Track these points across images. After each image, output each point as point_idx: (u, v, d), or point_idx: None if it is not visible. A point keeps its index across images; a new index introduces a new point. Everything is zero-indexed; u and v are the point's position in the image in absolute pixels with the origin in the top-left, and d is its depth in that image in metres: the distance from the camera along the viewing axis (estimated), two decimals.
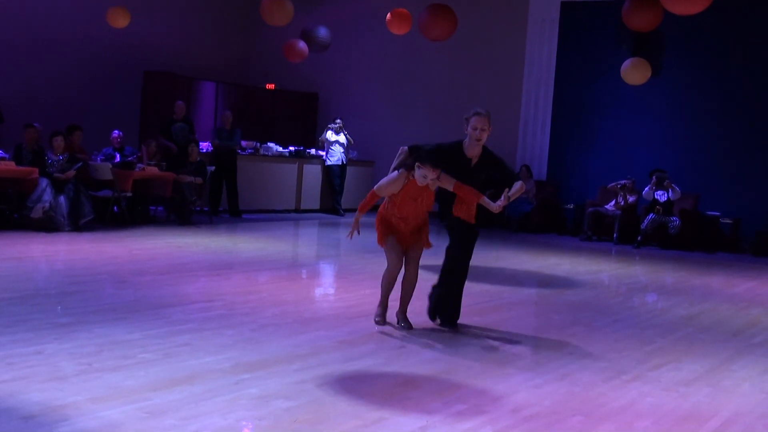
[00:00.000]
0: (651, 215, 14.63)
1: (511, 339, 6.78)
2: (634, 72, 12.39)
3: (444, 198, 6.92)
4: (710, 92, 15.44)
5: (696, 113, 15.54)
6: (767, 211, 14.88)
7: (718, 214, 14.98)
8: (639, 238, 14.67)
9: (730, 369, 6.24)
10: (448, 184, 6.61)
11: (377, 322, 6.86)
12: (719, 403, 5.31)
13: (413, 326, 6.82)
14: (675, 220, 14.53)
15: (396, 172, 6.70)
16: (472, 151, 6.82)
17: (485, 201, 6.58)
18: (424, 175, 6.48)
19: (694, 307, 8.83)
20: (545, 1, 16.94)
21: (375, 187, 6.84)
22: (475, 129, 6.83)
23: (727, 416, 5.04)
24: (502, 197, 6.48)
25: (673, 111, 15.79)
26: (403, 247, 6.87)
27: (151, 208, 13.85)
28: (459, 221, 6.84)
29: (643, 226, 14.65)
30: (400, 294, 6.92)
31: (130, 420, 4.22)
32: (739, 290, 10.37)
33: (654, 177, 14.69)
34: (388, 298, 6.96)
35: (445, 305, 6.95)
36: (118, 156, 13.38)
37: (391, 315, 6.97)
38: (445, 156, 6.66)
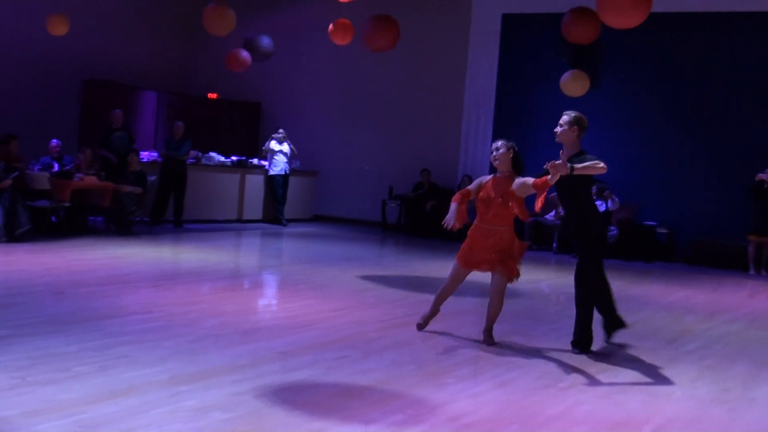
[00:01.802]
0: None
1: (451, 348, 6.83)
2: (573, 84, 12.57)
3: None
4: (647, 104, 15.76)
5: (633, 125, 15.82)
6: (701, 220, 15.22)
7: (654, 224, 15.27)
8: None
9: (663, 376, 6.37)
10: (526, 189, 6.78)
11: (419, 325, 7.35)
12: (653, 409, 5.42)
13: (492, 342, 7.05)
14: (613, 230, 14.77)
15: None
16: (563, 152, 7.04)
17: (553, 169, 6.41)
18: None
19: (632, 316, 8.96)
20: (487, 13, 17.15)
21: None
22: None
23: (660, 422, 5.15)
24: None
25: (612, 123, 16.05)
26: (472, 268, 7.16)
27: (90, 218, 13.66)
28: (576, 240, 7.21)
29: None
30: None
31: None
32: (675, 298, 10.59)
33: (594, 187, 14.92)
34: (437, 306, 7.41)
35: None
36: (56, 165, 13.19)
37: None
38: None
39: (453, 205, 7.14)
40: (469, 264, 7.15)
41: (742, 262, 14.50)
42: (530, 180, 6.74)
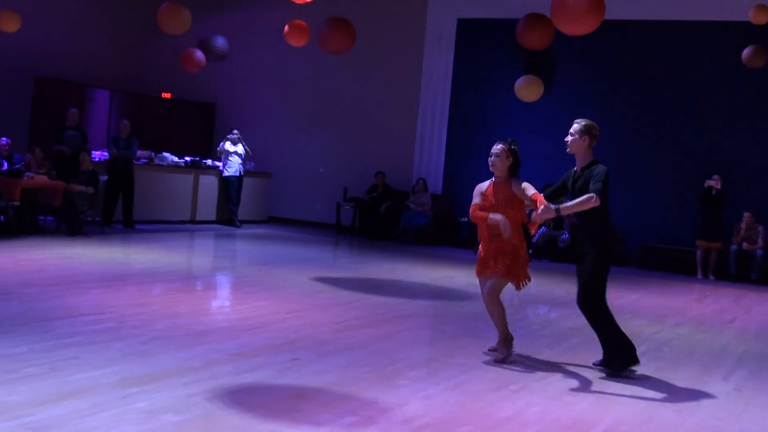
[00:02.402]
0: (542, 229, 15.00)
1: (404, 350, 6.85)
2: (527, 89, 12.67)
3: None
4: (598, 109, 15.92)
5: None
6: (651, 226, 15.45)
7: None
8: (530, 251, 15.01)
9: (612, 379, 6.45)
10: (526, 197, 6.56)
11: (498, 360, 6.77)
12: (602, 411, 5.50)
13: (504, 357, 6.73)
14: (565, 234, 14.93)
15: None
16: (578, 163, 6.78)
17: (538, 217, 6.32)
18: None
19: (582, 319, 9.02)
20: (442, 17, 17.23)
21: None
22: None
23: (609, 424, 5.22)
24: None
25: (564, 127, 16.06)
26: (480, 274, 6.84)
27: (40, 217, 13.46)
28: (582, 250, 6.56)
29: (534, 239, 15.01)
30: None
31: None
32: (624, 302, 10.72)
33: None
34: (502, 328, 6.83)
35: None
36: (5, 164, 12.98)
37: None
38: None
39: (498, 216, 6.61)
40: (479, 272, 6.86)
41: (690, 267, 14.75)
42: (530, 191, 6.52)
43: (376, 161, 17.53)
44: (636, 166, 15.72)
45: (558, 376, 6.37)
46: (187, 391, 5.09)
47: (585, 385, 6.17)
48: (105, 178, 13.88)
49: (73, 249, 11.41)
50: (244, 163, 16.89)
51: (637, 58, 15.84)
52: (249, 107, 19.11)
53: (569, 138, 6.73)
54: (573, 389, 6.02)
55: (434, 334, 8.04)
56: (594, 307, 6.54)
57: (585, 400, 5.73)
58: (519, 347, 7.19)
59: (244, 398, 5.08)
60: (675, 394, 6.14)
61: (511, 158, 6.76)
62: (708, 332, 8.96)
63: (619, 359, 6.55)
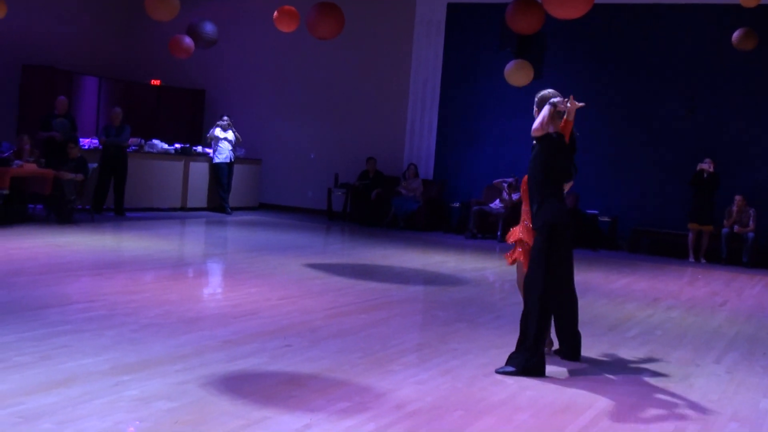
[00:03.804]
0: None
1: (397, 336, 6.84)
2: (517, 74, 12.62)
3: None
4: (589, 95, 15.85)
5: (576, 114, 15.95)
6: (642, 209, 15.47)
7: (596, 212, 15.47)
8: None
9: (605, 362, 6.47)
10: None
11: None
12: (594, 395, 5.50)
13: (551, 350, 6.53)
14: None
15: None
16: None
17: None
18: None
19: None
20: (432, 2, 17.17)
21: None
22: None
23: (602, 408, 5.22)
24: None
25: None
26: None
27: (30, 206, 13.38)
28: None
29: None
30: None
31: (2, 425, 4.09)
32: (616, 286, 10.74)
33: (511, 178, 15.17)
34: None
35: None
36: None
37: None
38: None
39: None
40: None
41: (682, 250, 14.77)
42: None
43: (367, 147, 17.48)
44: (627, 150, 15.72)
45: (551, 359, 6.34)
46: (179, 379, 5.08)
47: (578, 369, 6.17)
48: (94, 165, 13.79)
49: (64, 237, 11.36)
50: (234, 150, 16.83)
51: (628, 42, 15.82)
52: (239, 93, 19.03)
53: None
54: (566, 373, 6.03)
55: (427, 320, 8.04)
56: (529, 289, 6.07)
57: (578, 384, 5.74)
58: (510, 333, 7.16)
59: (236, 385, 5.07)
60: (667, 376, 6.15)
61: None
62: (700, 315, 8.98)
63: (519, 358, 5.95)
